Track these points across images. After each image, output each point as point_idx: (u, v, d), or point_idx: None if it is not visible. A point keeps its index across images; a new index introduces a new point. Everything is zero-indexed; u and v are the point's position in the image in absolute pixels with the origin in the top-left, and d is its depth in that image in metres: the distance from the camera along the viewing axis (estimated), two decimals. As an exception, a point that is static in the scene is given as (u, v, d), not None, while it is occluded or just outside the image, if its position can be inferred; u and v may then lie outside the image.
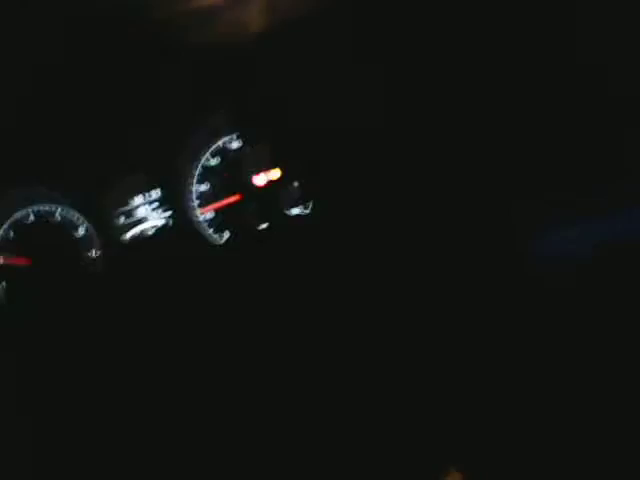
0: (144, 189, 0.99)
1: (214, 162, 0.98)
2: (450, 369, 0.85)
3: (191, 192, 0.98)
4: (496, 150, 0.90)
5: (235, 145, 0.98)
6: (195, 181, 0.98)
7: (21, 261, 0.97)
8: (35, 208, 0.98)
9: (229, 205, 0.99)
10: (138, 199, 0.99)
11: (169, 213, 0.99)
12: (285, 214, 0.98)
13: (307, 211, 0.98)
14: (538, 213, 0.85)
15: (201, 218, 0.99)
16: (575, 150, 0.87)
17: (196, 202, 0.99)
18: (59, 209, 0.98)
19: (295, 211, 0.98)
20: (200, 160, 0.98)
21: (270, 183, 0.98)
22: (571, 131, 0.88)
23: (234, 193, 0.99)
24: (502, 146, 0.90)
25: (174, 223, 0.99)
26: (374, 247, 0.93)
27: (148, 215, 0.99)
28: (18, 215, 0.98)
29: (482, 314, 0.86)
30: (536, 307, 0.84)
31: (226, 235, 0.99)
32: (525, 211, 0.86)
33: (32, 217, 0.98)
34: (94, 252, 0.99)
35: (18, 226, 0.99)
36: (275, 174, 0.98)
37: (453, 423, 0.83)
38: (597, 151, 0.86)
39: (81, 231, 0.99)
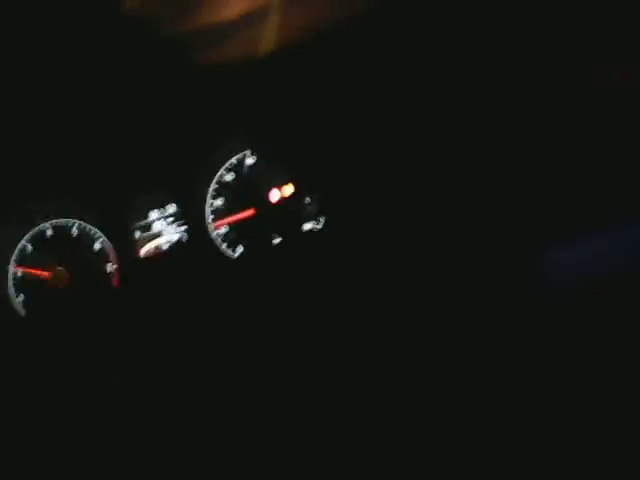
0: (160, 204, 1.01)
1: (229, 178, 1.00)
2: (454, 385, 0.85)
3: (206, 207, 1.00)
4: (503, 171, 0.91)
5: (249, 161, 1.00)
6: (210, 196, 1.00)
7: (41, 273, 0.99)
8: (53, 222, 1.01)
9: (243, 220, 1.00)
10: (154, 214, 1.01)
11: (184, 228, 1.01)
12: (298, 229, 0.99)
13: (319, 226, 0.99)
14: (540, 232, 0.86)
15: (215, 233, 1.00)
16: (578, 167, 0.88)
17: (211, 217, 1.00)
18: (76, 223, 1.01)
19: (308, 226, 0.99)
20: (215, 176, 1.00)
21: (284, 198, 1.00)
22: (575, 148, 0.89)
23: (248, 208, 1.00)
24: (509, 166, 0.91)
25: (189, 238, 1.01)
26: (385, 262, 0.94)
27: (164, 230, 1.01)
28: (37, 229, 1.01)
29: (487, 332, 0.86)
30: (538, 324, 0.85)
31: (240, 249, 1.01)
32: (528, 229, 0.87)
33: (50, 231, 1.01)
34: (110, 266, 1.01)
35: (36, 240, 1.01)
36: (288, 190, 0.99)
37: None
38: (599, 168, 0.87)
39: (97, 245, 1.01)
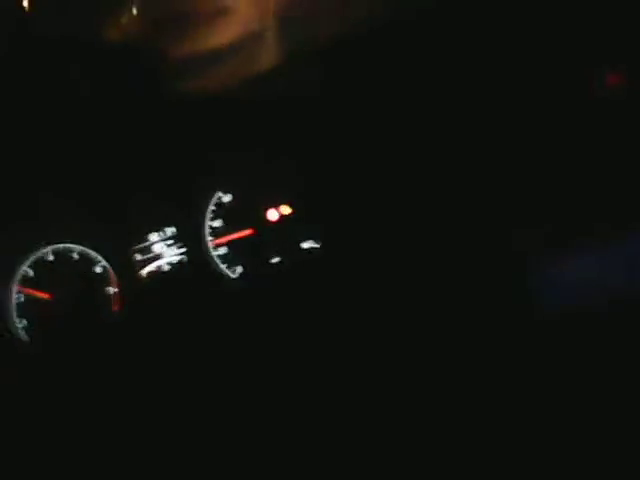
0: (159, 226, 1.02)
1: (227, 199, 1.01)
2: (455, 400, 0.85)
3: (205, 228, 1.01)
4: (503, 182, 0.91)
5: (247, 181, 1.01)
6: (208, 218, 1.00)
7: (42, 294, 1.00)
8: (54, 247, 1.01)
9: (242, 239, 1.01)
10: (153, 236, 1.02)
11: (184, 250, 1.01)
12: (297, 248, 1.00)
13: (318, 245, 0.99)
14: (539, 245, 0.86)
15: (214, 253, 1.01)
16: (579, 180, 0.88)
17: (209, 238, 1.01)
18: (77, 248, 1.01)
19: (307, 245, 1.00)
20: (213, 197, 1.00)
21: (282, 217, 1.00)
22: (576, 161, 0.89)
23: (246, 228, 1.01)
24: (508, 176, 0.92)
25: (189, 259, 1.01)
26: (384, 279, 0.94)
27: (163, 252, 1.02)
28: (37, 254, 1.01)
29: (488, 347, 0.86)
30: (538, 340, 0.85)
31: (239, 269, 1.01)
32: (527, 242, 0.87)
33: (51, 256, 1.01)
34: (111, 289, 1.01)
35: (37, 264, 1.02)
36: (286, 209, 1.00)
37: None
38: (601, 181, 0.87)
39: (98, 269, 1.01)
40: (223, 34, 0.93)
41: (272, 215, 1.00)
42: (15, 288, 1.01)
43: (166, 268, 1.02)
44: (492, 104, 0.92)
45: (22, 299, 1.01)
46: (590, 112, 0.90)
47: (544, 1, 0.89)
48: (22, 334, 1.00)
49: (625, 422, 0.77)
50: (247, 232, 1.01)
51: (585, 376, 0.81)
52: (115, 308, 1.01)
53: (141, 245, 1.02)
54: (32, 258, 1.01)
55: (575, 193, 0.88)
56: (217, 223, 1.01)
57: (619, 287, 0.82)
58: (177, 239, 1.02)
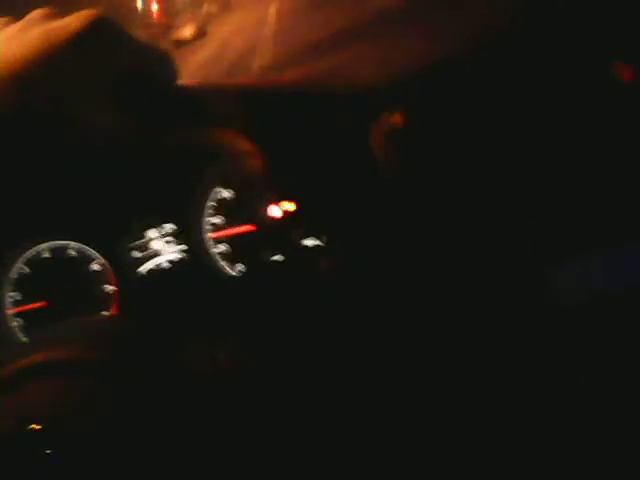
0: (157, 223, 0.99)
1: (227, 194, 0.98)
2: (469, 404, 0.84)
3: (204, 225, 0.98)
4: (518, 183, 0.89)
5: (248, 177, 0.98)
6: (208, 214, 0.98)
7: (37, 305, 0.98)
8: (50, 244, 0.99)
9: (242, 235, 0.99)
10: (151, 233, 0.99)
11: (183, 247, 0.99)
12: (299, 245, 0.98)
13: (321, 243, 0.97)
14: (556, 243, 0.84)
15: (214, 250, 0.99)
16: (597, 179, 0.86)
17: (209, 235, 0.98)
18: (73, 245, 0.99)
19: (309, 242, 0.97)
20: (213, 192, 0.98)
21: (285, 214, 0.98)
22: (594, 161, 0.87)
23: (247, 224, 0.98)
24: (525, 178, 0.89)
25: (188, 256, 0.99)
26: (388, 277, 0.92)
27: (162, 249, 0.99)
28: (32, 251, 0.99)
29: (505, 348, 0.85)
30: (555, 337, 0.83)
31: (240, 267, 0.99)
32: (544, 241, 0.85)
33: (47, 253, 0.99)
34: (109, 287, 0.99)
35: (32, 261, 0.99)
36: (289, 205, 0.97)
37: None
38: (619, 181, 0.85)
39: (96, 266, 0.99)
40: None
41: (274, 211, 0.98)
42: (9, 287, 0.98)
43: (165, 265, 0.99)
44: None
45: (19, 297, 0.99)
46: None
47: None
48: (19, 334, 0.98)
49: None
50: (248, 228, 0.99)
51: (600, 372, 0.80)
52: (113, 306, 0.99)
53: (139, 242, 0.99)
54: (27, 255, 0.99)
55: (592, 190, 0.86)
56: (217, 219, 0.98)
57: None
58: (176, 236, 0.99)
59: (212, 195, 0.98)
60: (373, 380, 0.88)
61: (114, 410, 0.67)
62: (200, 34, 1.12)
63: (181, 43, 1.13)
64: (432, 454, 0.83)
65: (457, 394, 0.85)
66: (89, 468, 0.69)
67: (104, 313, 0.98)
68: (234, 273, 0.99)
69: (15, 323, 0.99)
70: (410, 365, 0.88)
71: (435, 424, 0.84)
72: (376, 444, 0.84)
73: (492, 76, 0.89)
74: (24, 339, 0.98)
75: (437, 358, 0.87)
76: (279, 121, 0.95)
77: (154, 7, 1.23)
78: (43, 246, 0.99)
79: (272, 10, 1.01)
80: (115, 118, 0.80)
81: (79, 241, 0.99)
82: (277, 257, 0.98)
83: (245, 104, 0.93)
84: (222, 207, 0.98)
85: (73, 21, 0.68)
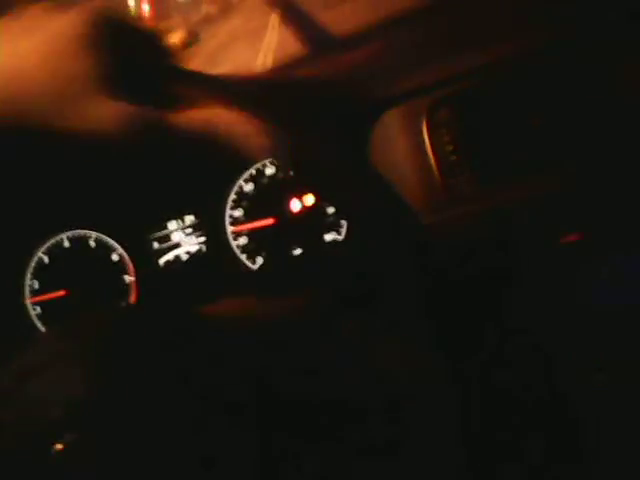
0: (178, 215, 0.99)
1: (248, 188, 0.97)
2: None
3: (225, 218, 0.98)
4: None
5: (269, 171, 0.97)
6: (229, 207, 0.97)
7: (56, 294, 0.98)
8: (69, 234, 0.99)
9: (263, 229, 0.98)
10: (172, 225, 0.99)
11: (203, 239, 0.98)
12: (319, 240, 0.97)
13: (341, 237, 0.96)
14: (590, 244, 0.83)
15: (234, 243, 0.98)
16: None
17: (230, 228, 0.98)
18: (93, 235, 0.99)
19: (329, 237, 0.97)
20: (234, 186, 0.97)
21: (305, 208, 0.97)
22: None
23: (268, 218, 0.98)
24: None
25: (208, 248, 0.98)
26: (409, 273, 0.91)
27: (182, 241, 0.99)
28: (53, 240, 0.99)
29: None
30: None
31: (260, 260, 0.98)
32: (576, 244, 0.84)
33: (67, 243, 0.99)
34: (128, 277, 0.99)
35: (52, 250, 0.99)
36: (309, 199, 0.96)
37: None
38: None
39: (115, 257, 0.99)
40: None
41: (295, 205, 0.97)
42: (30, 275, 0.98)
43: (184, 257, 0.99)
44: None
45: (36, 286, 0.99)
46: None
47: None
48: (38, 322, 0.98)
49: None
50: (268, 222, 0.98)
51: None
52: (132, 296, 0.98)
53: (159, 233, 0.99)
54: (47, 244, 0.99)
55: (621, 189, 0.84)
56: (238, 212, 0.98)
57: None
58: (196, 228, 0.99)
59: (234, 188, 0.97)
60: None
61: (130, 400, 0.66)
62: (192, 39, 1.10)
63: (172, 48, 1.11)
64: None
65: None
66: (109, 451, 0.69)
67: (122, 303, 0.98)
68: (254, 266, 0.98)
69: (34, 312, 0.99)
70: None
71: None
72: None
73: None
74: (43, 328, 0.98)
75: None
76: (302, 116, 0.95)
77: (145, 8, 1.20)
78: (63, 236, 0.99)
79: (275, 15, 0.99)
80: (127, 110, 0.80)
81: (99, 231, 0.99)
82: (297, 251, 0.97)
83: (261, 95, 0.92)
84: (243, 200, 0.97)
85: (75, 21, 0.67)
